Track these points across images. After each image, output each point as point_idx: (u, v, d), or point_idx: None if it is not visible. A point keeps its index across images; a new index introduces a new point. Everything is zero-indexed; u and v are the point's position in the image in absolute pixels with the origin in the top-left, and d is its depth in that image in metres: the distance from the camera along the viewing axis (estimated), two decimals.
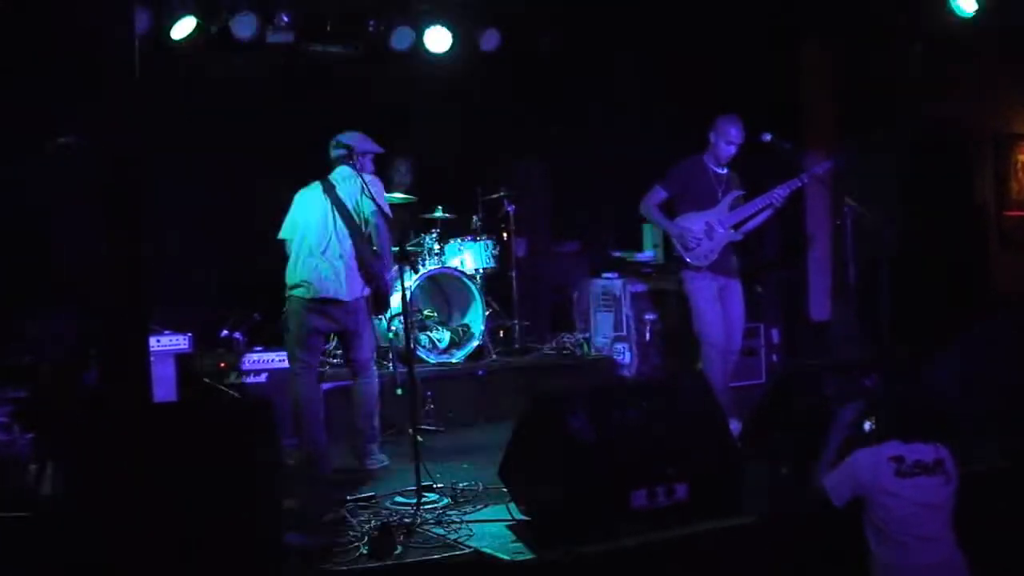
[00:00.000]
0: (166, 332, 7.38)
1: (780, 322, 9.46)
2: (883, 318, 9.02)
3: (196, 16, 8.19)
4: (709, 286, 7.44)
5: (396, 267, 6.48)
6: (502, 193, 9.11)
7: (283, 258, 8.55)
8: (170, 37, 8.18)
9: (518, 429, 5.35)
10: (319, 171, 6.90)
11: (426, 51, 8.98)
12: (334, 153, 6.76)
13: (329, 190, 6.65)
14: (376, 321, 7.21)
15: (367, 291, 6.65)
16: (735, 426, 6.53)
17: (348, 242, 6.57)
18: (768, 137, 7.38)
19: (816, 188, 8.46)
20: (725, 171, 7.53)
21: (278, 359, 7.49)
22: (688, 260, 7.43)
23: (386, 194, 7.00)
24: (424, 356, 8.29)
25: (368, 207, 6.54)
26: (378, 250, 6.61)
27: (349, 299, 6.58)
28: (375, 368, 6.86)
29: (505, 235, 9.17)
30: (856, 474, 4.78)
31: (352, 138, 6.72)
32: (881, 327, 8.92)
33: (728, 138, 7.36)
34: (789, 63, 9.70)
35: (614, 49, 9.49)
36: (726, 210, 7.46)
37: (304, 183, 7.15)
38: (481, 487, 6.00)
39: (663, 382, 7.54)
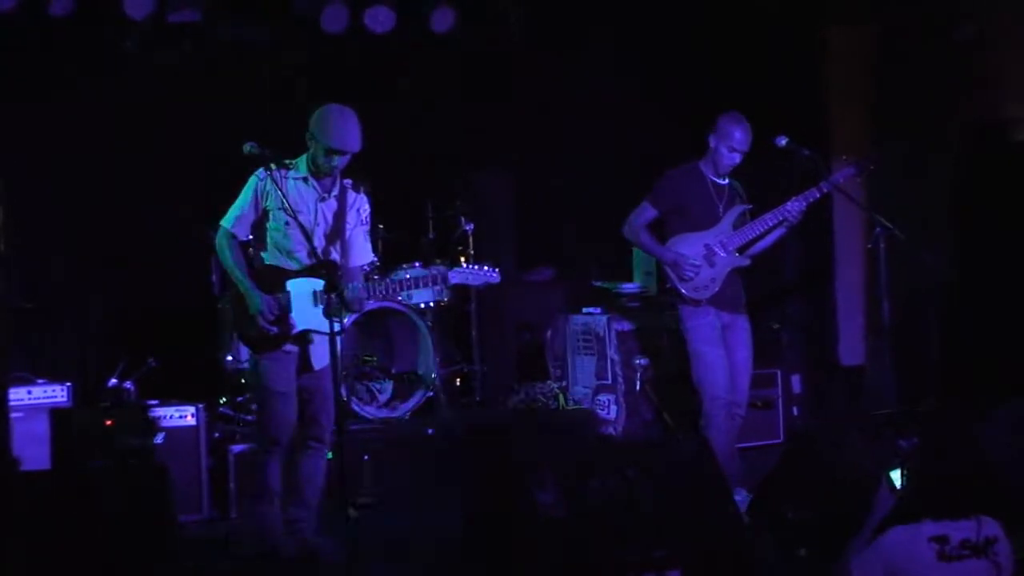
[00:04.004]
0: (40, 381, 7.37)
1: (802, 367, 9.51)
2: (927, 364, 9.11)
3: None
4: (711, 324, 7.44)
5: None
6: (458, 208, 9.13)
7: (187, 292, 8.62)
8: (47, 14, 8.22)
9: (474, 503, 5.35)
10: (231, 183, 6.91)
11: (364, 33, 9.01)
12: None
13: None
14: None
15: None
16: (742, 497, 6.54)
17: None
18: (783, 141, 7.39)
19: (844, 202, 8.49)
20: (727, 181, 7.55)
21: (178, 415, 7.46)
22: (684, 293, 7.44)
23: None
24: (360, 410, 8.28)
25: None
26: None
27: None
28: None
29: (463, 260, 9.17)
30: (890, 557, 4.77)
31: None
32: (924, 375, 9.00)
33: (732, 143, 7.37)
34: (811, 51, 9.79)
35: (595, 34, 9.55)
36: (729, 229, 7.48)
37: (217, 195, 7.21)
38: None
39: (652, 443, 7.55)
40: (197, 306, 8.64)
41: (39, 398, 7.29)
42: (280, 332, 6.28)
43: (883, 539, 4.84)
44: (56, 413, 7.29)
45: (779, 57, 9.47)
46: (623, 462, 5.42)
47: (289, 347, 6.33)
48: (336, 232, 6.45)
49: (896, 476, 5.29)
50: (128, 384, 7.86)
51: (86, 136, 8.57)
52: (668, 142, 8.60)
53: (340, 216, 6.46)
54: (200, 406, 7.55)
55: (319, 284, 6.31)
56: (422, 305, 8.76)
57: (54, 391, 7.35)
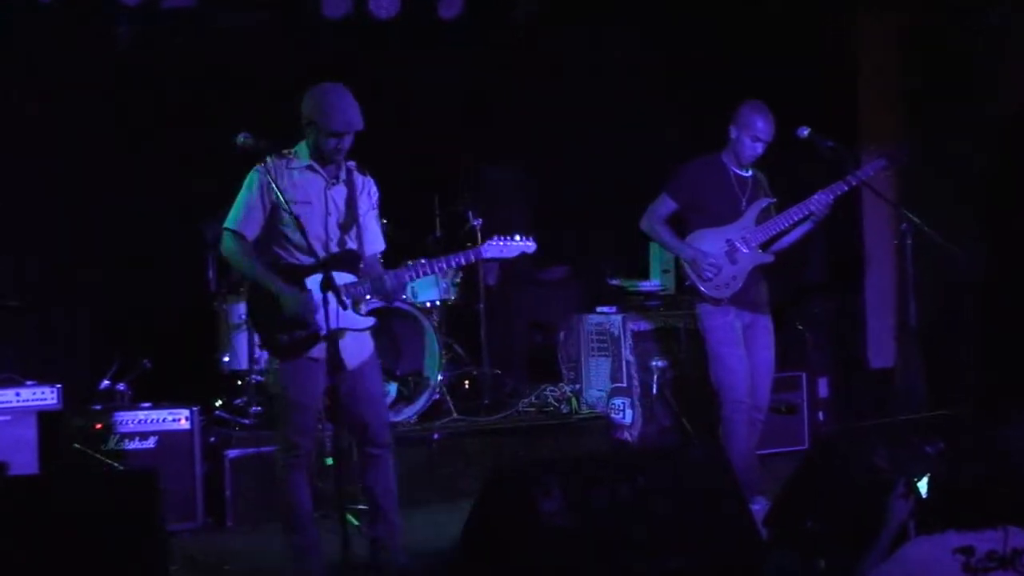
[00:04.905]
0: (28, 383, 7.37)
1: (829, 370, 9.48)
2: (960, 366, 9.08)
3: None
4: (731, 324, 7.42)
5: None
6: (466, 204, 9.15)
7: (183, 290, 8.61)
8: None
9: (475, 512, 5.34)
10: (228, 177, 6.91)
11: (368, 20, 9.02)
12: None
13: None
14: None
15: None
16: (762, 506, 6.54)
17: None
18: (805, 132, 7.35)
19: (875, 195, 8.46)
20: (750, 174, 7.52)
21: (171, 418, 7.48)
22: (704, 291, 7.42)
23: None
24: None
25: None
26: None
27: None
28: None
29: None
30: (913, 569, 4.77)
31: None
32: (956, 377, 8.97)
33: (754, 133, 7.34)
34: (839, 39, 9.77)
35: (610, 20, 9.54)
36: (752, 224, 7.45)
37: (213, 188, 7.21)
38: None
39: (664, 450, 7.54)
40: (193, 305, 8.65)
41: (28, 400, 7.27)
42: (308, 335, 6.06)
43: (905, 550, 4.82)
44: (45, 416, 7.30)
45: (806, 45, 9.46)
46: (633, 469, 5.42)
47: (315, 352, 6.09)
48: (350, 219, 6.28)
49: (923, 484, 5.27)
50: (121, 386, 7.87)
51: (76, 127, 8.59)
52: (688, 132, 8.59)
53: (351, 202, 6.29)
54: (195, 409, 7.57)
55: (343, 277, 6.10)
56: (428, 304, 8.77)
57: (43, 393, 7.32)
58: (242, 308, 8.38)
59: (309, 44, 9.10)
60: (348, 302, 6.03)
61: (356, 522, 6.96)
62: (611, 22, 9.60)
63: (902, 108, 9.75)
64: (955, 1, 9.17)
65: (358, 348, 6.24)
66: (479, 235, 9.05)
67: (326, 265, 5.97)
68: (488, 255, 6.55)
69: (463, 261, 6.54)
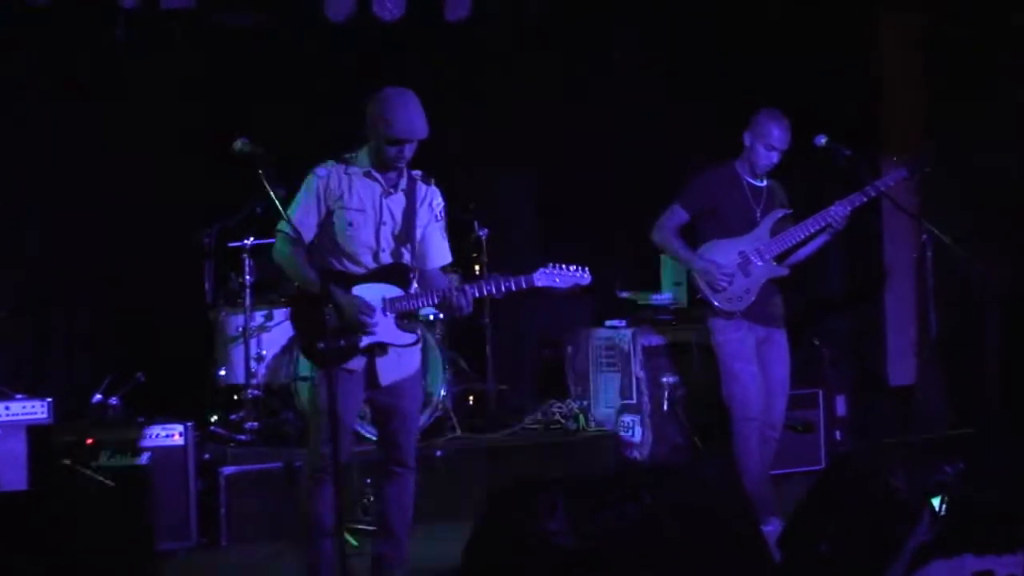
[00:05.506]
0: (18, 397, 7.34)
1: (848, 387, 9.44)
2: (984, 383, 9.04)
3: None
4: (744, 339, 7.38)
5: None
6: (472, 212, 9.13)
7: (179, 301, 8.58)
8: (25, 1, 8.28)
9: (477, 531, 5.30)
10: (227, 183, 6.87)
11: (372, 22, 9.01)
12: None
13: None
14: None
15: None
16: (774, 528, 6.51)
17: None
18: (822, 140, 7.33)
19: (893, 206, 8.42)
20: (765, 183, 7.49)
21: (164, 434, 7.45)
22: (716, 304, 7.39)
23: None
24: (363, 431, 8.27)
25: None
26: None
27: None
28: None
29: (476, 268, 9.14)
30: None
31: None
32: (979, 395, 8.93)
33: (769, 141, 7.31)
34: (860, 41, 9.75)
35: (623, 21, 9.53)
36: (767, 235, 7.42)
37: (212, 195, 7.15)
38: None
39: (673, 468, 7.50)
40: (189, 316, 8.65)
41: (17, 414, 7.23)
42: (348, 345, 5.99)
43: (922, 574, 4.81)
44: (35, 431, 7.27)
45: (824, 48, 9.44)
46: (641, 488, 5.38)
47: (352, 364, 6.04)
48: (406, 231, 6.21)
49: (942, 506, 5.24)
50: (114, 400, 7.86)
51: (70, 133, 8.60)
52: (705, 141, 8.57)
53: (409, 212, 6.23)
54: (189, 424, 7.51)
55: (389, 290, 6.10)
56: (431, 317, 8.73)
57: (33, 407, 7.28)
58: (239, 320, 8.41)
59: (311, 47, 9.09)
60: (391, 316, 6.06)
61: (355, 542, 6.95)
62: (624, 27, 9.60)
63: (924, 114, 9.72)
64: (978, 4, 9.13)
65: (399, 364, 6.18)
66: (484, 246, 9.06)
67: (382, 276, 6.07)
68: (540, 284, 6.35)
69: (513, 287, 6.35)
